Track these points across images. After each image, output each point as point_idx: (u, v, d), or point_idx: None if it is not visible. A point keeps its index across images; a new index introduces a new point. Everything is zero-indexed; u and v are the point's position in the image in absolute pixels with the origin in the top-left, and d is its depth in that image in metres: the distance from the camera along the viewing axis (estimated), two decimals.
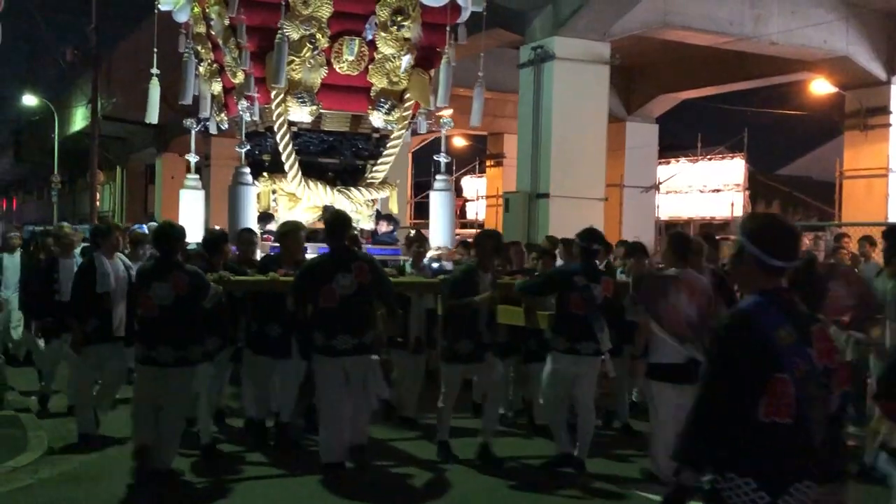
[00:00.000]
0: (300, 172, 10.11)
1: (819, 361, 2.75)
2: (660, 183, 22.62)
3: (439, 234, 10.52)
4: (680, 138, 25.62)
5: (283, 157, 10.06)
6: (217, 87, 10.93)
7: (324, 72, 10.08)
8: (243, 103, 9.64)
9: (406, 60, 10.26)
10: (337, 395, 6.50)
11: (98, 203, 32.69)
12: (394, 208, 11.00)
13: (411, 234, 9.84)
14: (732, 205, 22.65)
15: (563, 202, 15.07)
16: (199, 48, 10.80)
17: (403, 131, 10.63)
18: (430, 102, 10.48)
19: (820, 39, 16.97)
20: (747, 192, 23.20)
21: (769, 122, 24.58)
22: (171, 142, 29.98)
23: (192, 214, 11.36)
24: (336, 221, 6.72)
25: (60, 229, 8.78)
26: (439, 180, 10.70)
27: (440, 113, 10.77)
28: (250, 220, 9.53)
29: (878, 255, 9.14)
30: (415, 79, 10.40)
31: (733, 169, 23.37)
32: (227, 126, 11.11)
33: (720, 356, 2.83)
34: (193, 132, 11.51)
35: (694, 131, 23.68)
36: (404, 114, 10.51)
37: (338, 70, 10.13)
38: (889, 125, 17.62)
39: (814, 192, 24.78)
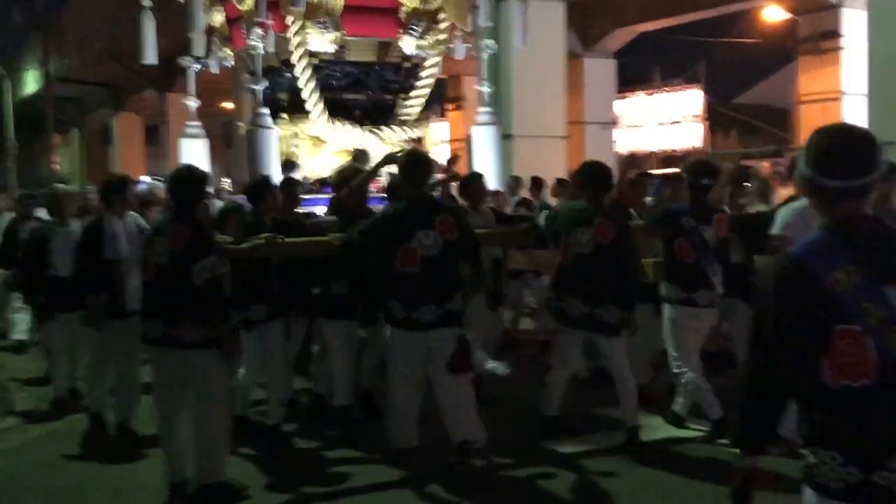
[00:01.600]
0: (326, 111, 8.73)
1: None
2: (617, 118, 22.64)
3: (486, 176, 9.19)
4: (638, 72, 25.61)
5: (305, 95, 8.66)
6: (219, 18, 9.47)
7: None
8: (256, 32, 8.19)
9: None
10: (414, 375, 5.26)
11: (58, 166, 31.08)
12: (430, 149, 9.66)
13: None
14: (692, 135, 23.22)
15: (526, 141, 15.07)
16: None
17: (439, 58, 9.24)
18: (468, 22, 9.09)
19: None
20: (706, 123, 23.53)
21: (725, 52, 24.76)
22: (127, 101, 28.28)
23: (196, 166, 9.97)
24: (416, 163, 5.36)
25: (55, 191, 7.39)
26: (483, 113, 9.33)
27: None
28: (273, 170, 8.16)
29: None
30: None
31: (691, 100, 23.77)
32: (232, 62, 9.67)
33: (766, 313, 2.38)
34: (191, 71, 10.07)
35: (651, 64, 24.53)
36: (440, 37, 9.12)
37: None
38: (840, 48, 17.44)
39: (771, 119, 24.87)
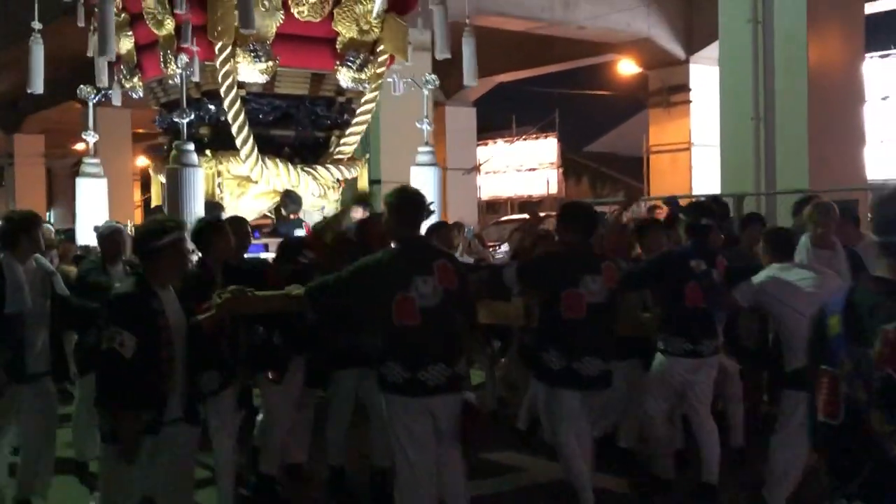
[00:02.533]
0: (255, 148, 7.85)
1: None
2: (480, 164, 23.44)
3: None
4: (496, 120, 26.64)
5: (234, 130, 7.75)
6: (126, 45, 8.44)
7: (280, 17, 7.82)
8: (182, 59, 7.24)
9: (379, 2, 8.15)
10: (424, 451, 4.46)
11: None
12: (365, 186, 8.88)
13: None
14: (548, 182, 24.54)
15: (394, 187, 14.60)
16: None
17: (376, 93, 8.52)
18: (406, 55, 8.42)
19: (624, 23, 17.57)
20: (561, 170, 24.90)
21: (579, 102, 25.96)
22: (26, 120, 26.17)
23: (93, 208, 8.87)
24: (409, 200, 4.61)
25: None
26: (423, 153, 8.64)
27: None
28: (198, 213, 7.19)
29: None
30: (390, 26, 8.30)
31: (547, 148, 25.26)
32: (140, 94, 8.64)
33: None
34: (91, 104, 8.98)
35: (509, 113, 25.07)
36: (378, 70, 8.40)
37: (296, 15, 7.91)
38: (689, 102, 18.46)
39: (621, 167, 26.41)
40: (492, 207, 27.13)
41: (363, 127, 8.52)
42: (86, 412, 5.95)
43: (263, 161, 7.88)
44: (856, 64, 12.42)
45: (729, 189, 10.69)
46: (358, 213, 8.52)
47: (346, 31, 8.15)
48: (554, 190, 24.73)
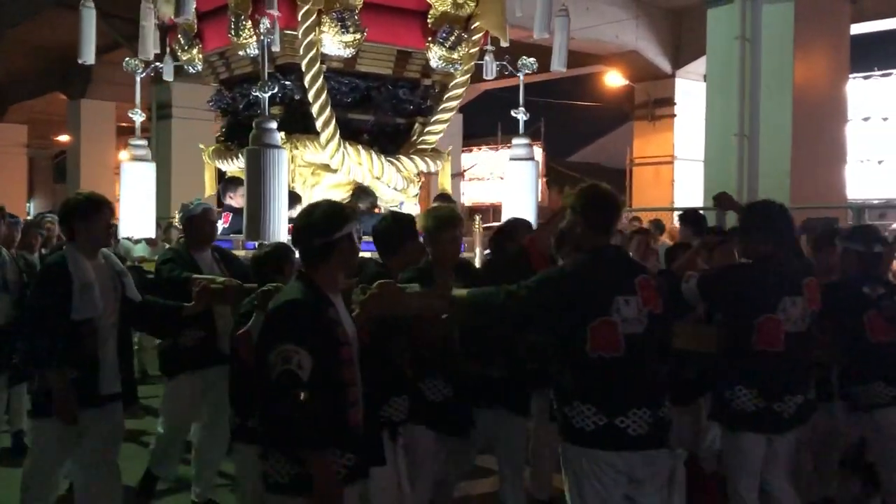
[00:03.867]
0: (338, 133, 6.85)
1: None
2: (464, 171, 23.46)
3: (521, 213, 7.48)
4: (481, 127, 26.61)
5: (315, 110, 6.76)
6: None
7: None
8: (264, 23, 6.22)
9: None
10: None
11: None
12: (447, 185, 7.90)
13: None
14: None
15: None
16: None
17: (468, 76, 7.54)
18: (506, 34, 7.45)
19: (612, 35, 17.42)
20: (545, 179, 24.28)
21: (565, 112, 26.27)
22: (9, 110, 25.12)
23: (141, 195, 7.87)
24: (605, 201, 3.65)
25: None
26: (518, 145, 7.64)
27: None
28: (281, 200, 6.17)
29: (665, 238, 10.06)
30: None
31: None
32: (199, 68, 7.63)
33: None
34: (138, 79, 7.96)
35: (495, 121, 24.73)
36: (472, 50, 7.43)
37: None
38: (674, 115, 18.63)
39: (604, 177, 25.80)
40: (475, 213, 26.94)
41: (451, 114, 7.53)
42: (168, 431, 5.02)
43: (345, 147, 6.89)
44: (840, 84, 12.49)
45: (712, 203, 10.42)
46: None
47: (439, 3, 7.17)
48: (539, 198, 24.32)
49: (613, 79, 19.75)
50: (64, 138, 24.74)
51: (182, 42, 7.55)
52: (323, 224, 3.21)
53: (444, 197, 7.79)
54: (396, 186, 7.26)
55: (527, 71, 7.53)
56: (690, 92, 17.92)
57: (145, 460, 5.44)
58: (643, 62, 18.21)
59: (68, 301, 4.14)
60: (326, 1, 6.63)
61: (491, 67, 7.60)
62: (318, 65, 6.67)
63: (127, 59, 7.90)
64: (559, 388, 3.56)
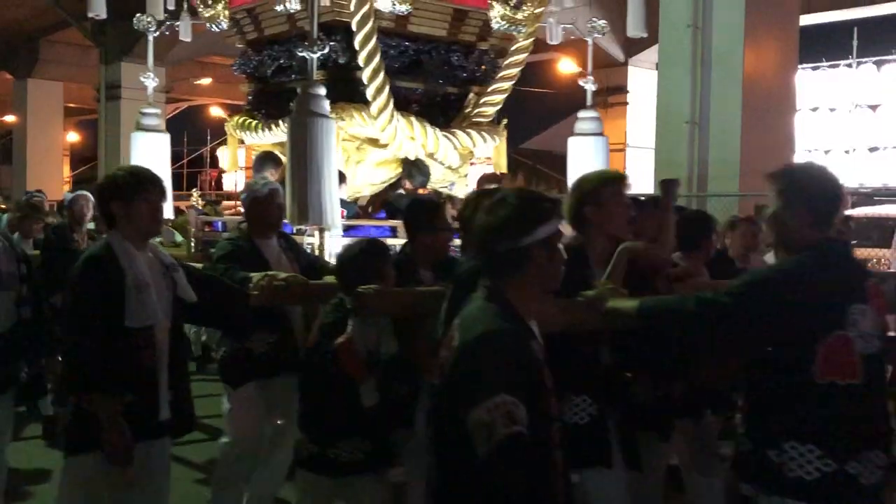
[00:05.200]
0: (391, 102, 5.98)
1: None
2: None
3: None
4: None
5: (366, 76, 5.88)
6: None
7: None
8: None
9: None
10: None
11: None
12: (502, 164, 7.05)
13: None
14: None
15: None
16: None
17: (531, 41, 6.68)
18: None
19: (565, 23, 16.98)
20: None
21: (518, 99, 25.20)
22: None
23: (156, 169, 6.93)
24: (826, 185, 2.82)
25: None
26: (584, 118, 6.79)
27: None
28: (332, 180, 5.30)
29: None
30: None
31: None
32: (224, 25, 6.70)
33: None
34: (151, 38, 7.02)
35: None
36: (536, 10, 6.57)
37: None
38: (626, 103, 18.82)
39: (557, 164, 25.84)
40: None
41: (511, 83, 6.68)
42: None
43: (397, 119, 6.03)
44: (789, 74, 12.53)
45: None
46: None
47: None
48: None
49: (567, 66, 19.58)
50: (10, 118, 23.73)
51: None
52: (511, 223, 2.36)
53: (492, 178, 6.97)
54: (452, 164, 6.42)
55: (597, 34, 6.67)
56: (643, 80, 17.89)
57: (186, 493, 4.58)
58: (596, 50, 18.06)
59: (120, 304, 3.27)
60: None
61: (556, 31, 6.76)
62: (370, 23, 5.78)
63: (138, 15, 6.95)
64: (759, 424, 2.76)
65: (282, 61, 6.59)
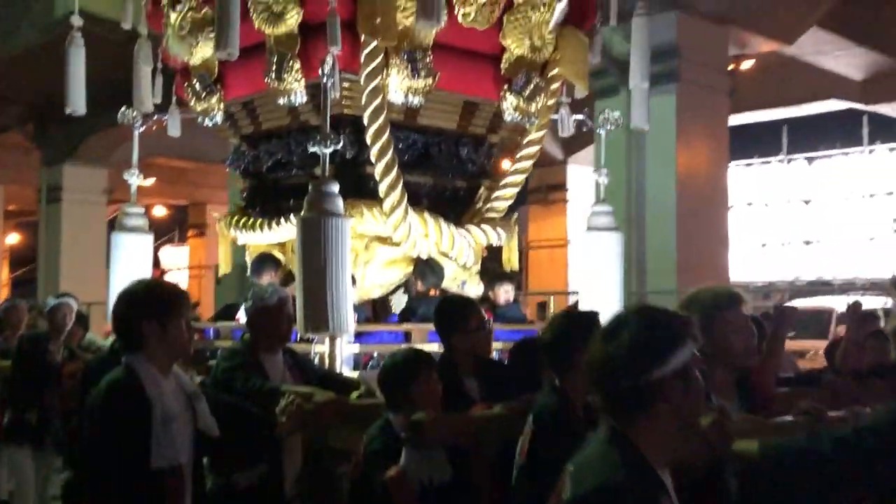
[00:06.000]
0: (405, 198, 5.58)
1: None
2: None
3: (603, 300, 6.28)
4: None
5: (378, 171, 5.48)
6: (203, 51, 6.11)
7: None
8: (327, 63, 4.96)
9: (560, 9, 6.07)
10: None
11: None
12: (514, 262, 6.67)
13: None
14: None
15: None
16: None
17: (543, 132, 6.37)
18: (587, 83, 6.35)
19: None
20: None
21: None
22: None
23: (135, 273, 6.42)
24: None
25: None
26: (599, 213, 6.46)
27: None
28: (348, 281, 4.85)
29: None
30: (568, 42, 6.20)
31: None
32: (217, 119, 6.29)
33: None
34: (136, 132, 6.58)
35: None
36: (549, 102, 6.28)
37: (460, 18, 5.72)
38: (566, 201, 19.58)
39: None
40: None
41: (523, 176, 6.35)
42: None
43: (410, 215, 5.63)
44: (721, 171, 12.94)
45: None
46: (502, 294, 6.43)
47: (515, 45, 6.01)
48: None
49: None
50: None
51: (197, 88, 6.22)
52: (637, 353, 1.94)
53: (504, 276, 6.60)
54: (467, 263, 6.01)
55: (610, 126, 6.40)
56: (582, 177, 18.06)
57: None
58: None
59: (144, 441, 2.78)
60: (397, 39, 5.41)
61: (567, 122, 6.46)
62: (383, 116, 5.42)
63: (123, 109, 6.52)
64: None
65: (280, 156, 6.20)
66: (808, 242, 24.26)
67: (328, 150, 4.93)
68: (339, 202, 4.91)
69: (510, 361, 4.14)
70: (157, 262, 28.42)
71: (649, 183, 11.93)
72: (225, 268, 6.62)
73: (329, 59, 4.95)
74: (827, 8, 13.14)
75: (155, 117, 6.65)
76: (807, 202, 24.51)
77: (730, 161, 14.41)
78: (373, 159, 5.46)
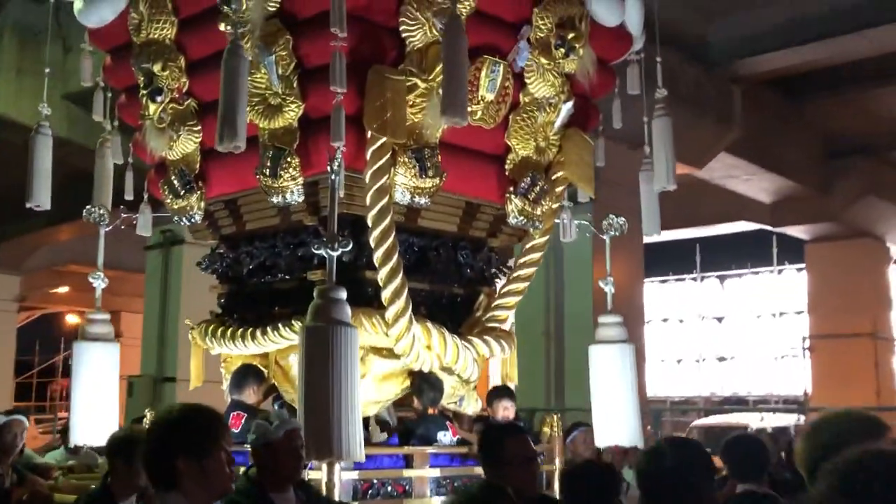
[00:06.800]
0: (410, 307, 5.11)
1: None
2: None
3: (613, 423, 5.84)
4: None
5: (382, 277, 5.01)
6: (185, 146, 5.64)
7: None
8: (335, 160, 4.54)
9: (566, 110, 5.80)
10: None
11: None
12: (514, 375, 6.20)
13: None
14: None
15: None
16: (151, 65, 5.55)
17: (547, 237, 6.01)
18: (592, 186, 6.05)
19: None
20: None
21: None
22: None
23: (100, 386, 5.81)
24: None
25: None
26: (609, 324, 6.05)
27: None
28: (357, 399, 4.33)
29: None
30: (574, 143, 5.92)
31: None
32: (196, 218, 5.78)
33: None
34: (102, 232, 6.03)
35: None
36: (554, 206, 5.95)
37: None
38: None
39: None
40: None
41: (526, 284, 5.93)
42: None
43: (415, 325, 5.15)
44: (636, 288, 13.26)
45: (527, 403, 10.72)
46: (500, 411, 5.96)
47: (521, 146, 5.69)
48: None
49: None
50: None
51: (175, 185, 5.72)
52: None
53: (503, 392, 6.13)
54: (470, 378, 5.54)
55: (614, 233, 6.09)
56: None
57: None
58: None
59: None
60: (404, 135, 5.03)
61: (570, 227, 6.13)
62: (389, 217, 4.99)
63: (88, 207, 5.99)
64: None
65: (263, 258, 5.71)
66: (721, 359, 24.59)
67: (335, 253, 4.47)
68: (348, 310, 4.43)
69: (565, 495, 3.65)
70: (67, 372, 27.53)
71: (567, 298, 12.24)
72: (196, 381, 6.00)
73: (339, 155, 4.53)
74: (734, 136, 13.68)
75: (123, 216, 6.12)
76: (719, 319, 24.95)
77: (645, 278, 14.88)
78: (376, 263, 5.00)
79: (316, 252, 4.55)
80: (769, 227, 18.56)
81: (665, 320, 25.02)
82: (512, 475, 3.53)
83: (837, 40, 12.19)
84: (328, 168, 4.53)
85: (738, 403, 22.67)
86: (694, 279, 25.13)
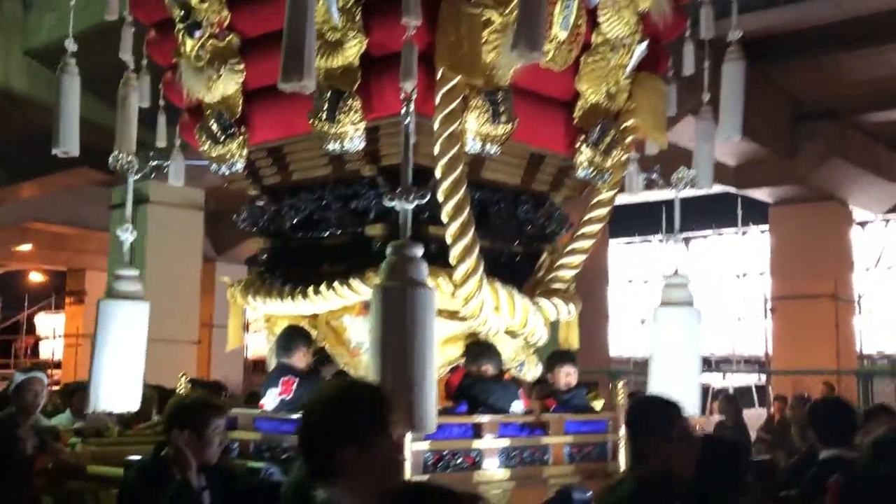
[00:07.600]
0: (481, 265, 4.68)
1: None
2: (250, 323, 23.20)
3: (676, 386, 5.45)
4: None
5: (451, 233, 4.57)
6: (225, 86, 5.14)
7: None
8: (409, 101, 4.07)
9: (640, 51, 5.33)
10: None
11: None
12: (573, 340, 5.79)
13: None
14: None
15: (156, 346, 12.67)
16: None
17: (615, 192, 5.57)
18: (665, 135, 5.61)
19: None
20: None
21: None
22: None
23: (129, 346, 5.36)
24: None
25: None
26: (673, 284, 5.64)
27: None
28: (434, 368, 3.91)
29: None
30: (644, 89, 5.46)
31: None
32: (238, 166, 5.30)
33: None
34: (131, 181, 5.54)
35: None
36: (623, 157, 5.51)
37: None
38: None
39: None
40: (259, 367, 25.29)
41: (591, 242, 5.50)
42: None
43: (486, 285, 4.72)
44: (602, 249, 13.68)
45: None
46: (562, 376, 5.56)
47: (591, 91, 5.23)
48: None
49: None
50: None
51: (214, 130, 5.23)
52: None
53: (565, 357, 5.73)
54: (539, 341, 5.14)
55: (684, 185, 5.66)
56: None
57: None
58: None
59: None
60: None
61: (637, 180, 5.70)
62: (461, 167, 4.53)
63: (115, 152, 5.49)
64: None
65: (310, 212, 5.25)
66: None
67: (410, 206, 4.02)
68: (425, 269, 3.99)
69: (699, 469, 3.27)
70: (31, 329, 27.38)
71: None
72: (235, 342, 5.57)
73: (412, 95, 4.05)
74: (699, 100, 13.15)
75: (154, 163, 5.63)
76: None
77: (610, 238, 14.52)
78: (445, 217, 4.55)
79: (388, 204, 4.07)
80: (734, 190, 18.30)
81: (630, 281, 25.03)
82: (678, 454, 3.19)
83: (805, 4, 11.76)
84: (401, 111, 4.04)
85: (704, 363, 22.84)
86: (660, 241, 25.07)
